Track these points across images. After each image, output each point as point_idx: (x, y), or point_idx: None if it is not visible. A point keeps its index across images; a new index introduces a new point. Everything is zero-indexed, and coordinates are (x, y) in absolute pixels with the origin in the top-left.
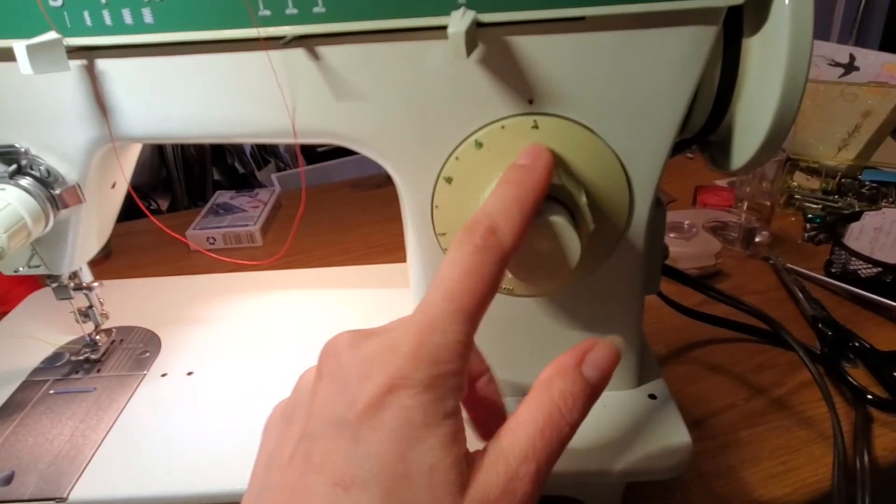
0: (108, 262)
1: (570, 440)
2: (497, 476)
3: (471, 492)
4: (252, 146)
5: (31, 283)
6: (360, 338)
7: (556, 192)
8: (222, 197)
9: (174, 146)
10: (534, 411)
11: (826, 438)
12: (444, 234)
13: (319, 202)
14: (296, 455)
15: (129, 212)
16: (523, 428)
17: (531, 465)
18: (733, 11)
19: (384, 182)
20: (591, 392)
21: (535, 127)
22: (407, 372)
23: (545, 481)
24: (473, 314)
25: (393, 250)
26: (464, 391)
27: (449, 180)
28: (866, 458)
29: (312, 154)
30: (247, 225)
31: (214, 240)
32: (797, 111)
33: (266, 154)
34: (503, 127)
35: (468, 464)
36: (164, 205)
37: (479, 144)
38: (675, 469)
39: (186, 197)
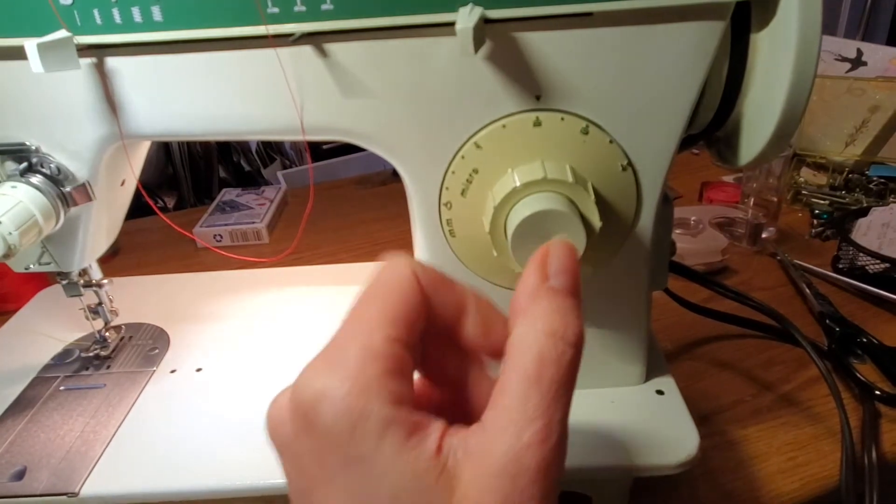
0: (115, 260)
1: (579, 365)
2: (492, 463)
3: (462, 496)
4: (258, 144)
5: (41, 281)
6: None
7: (564, 189)
8: (229, 194)
9: (180, 144)
10: (519, 358)
11: (834, 434)
12: (452, 230)
13: (326, 199)
14: None
15: (136, 209)
16: (511, 387)
17: (536, 425)
18: (741, 7)
19: (390, 179)
20: (574, 299)
21: (539, 124)
22: (310, 409)
23: (565, 426)
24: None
25: (399, 247)
26: (383, 392)
27: (457, 174)
28: (874, 454)
29: (318, 151)
30: (253, 222)
31: (221, 237)
32: (806, 106)
33: (272, 152)
34: (504, 126)
35: (456, 460)
36: (170, 202)
37: (478, 147)
38: (683, 465)
39: (192, 194)
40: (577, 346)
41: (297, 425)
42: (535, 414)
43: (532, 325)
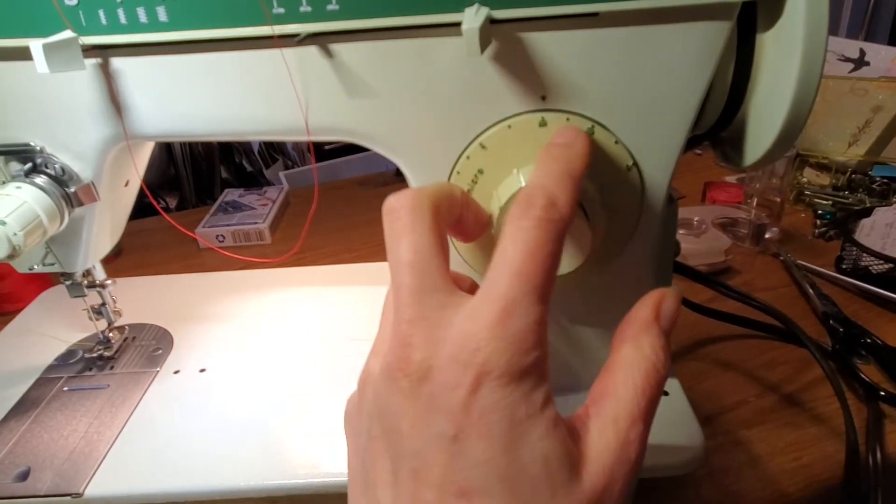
0: (118, 260)
1: None
2: (608, 445)
3: (587, 468)
4: (260, 144)
5: (44, 281)
6: (428, 340)
7: None
8: (231, 195)
9: (182, 144)
10: (629, 370)
11: (838, 435)
12: None
13: (328, 200)
14: (401, 474)
15: (138, 210)
16: (623, 390)
17: (639, 427)
18: (747, 7)
19: (392, 179)
20: (669, 343)
21: (544, 124)
22: (496, 366)
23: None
24: (546, 292)
25: None
26: (549, 374)
27: (462, 175)
28: (879, 455)
29: (320, 152)
30: (256, 223)
31: (224, 237)
32: (812, 107)
33: (274, 152)
34: (509, 126)
35: (572, 437)
36: (172, 203)
37: (483, 147)
38: (688, 465)
39: (194, 195)
40: (665, 382)
41: (469, 387)
42: (640, 417)
43: (643, 353)
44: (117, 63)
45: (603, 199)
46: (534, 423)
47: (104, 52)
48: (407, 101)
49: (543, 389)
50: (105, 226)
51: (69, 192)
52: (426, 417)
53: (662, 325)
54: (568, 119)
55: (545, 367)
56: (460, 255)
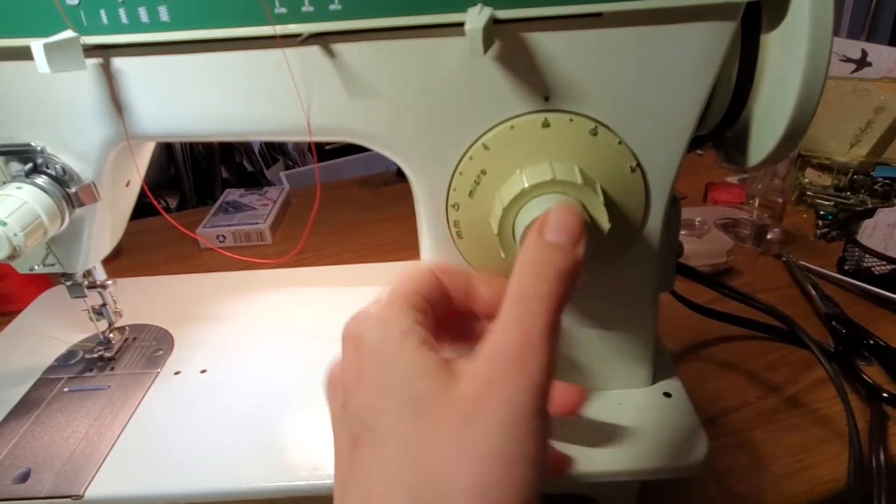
0: (118, 261)
1: (571, 292)
2: (489, 344)
3: (467, 368)
4: (261, 144)
5: (43, 282)
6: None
7: (573, 190)
8: (232, 195)
9: (182, 144)
10: (515, 274)
11: (841, 436)
12: (459, 232)
13: (329, 200)
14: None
15: (139, 210)
16: (510, 292)
17: (513, 329)
18: (752, 7)
19: (393, 180)
20: (565, 256)
21: (547, 125)
22: (370, 316)
23: (547, 336)
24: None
25: (402, 248)
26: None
27: (464, 175)
28: (882, 456)
29: (321, 152)
30: (256, 223)
31: (224, 238)
32: (816, 107)
33: (274, 152)
34: (512, 127)
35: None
36: (172, 203)
37: (486, 148)
38: (691, 467)
39: (195, 195)
40: (554, 269)
41: (347, 349)
42: (514, 299)
43: (523, 258)
44: (118, 63)
45: (607, 201)
46: (392, 355)
47: (105, 51)
48: (409, 102)
49: (400, 323)
50: (106, 226)
51: (70, 192)
52: (334, 400)
53: (551, 238)
54: (571, 120)
55: (395, 308)
56: (461, 255)
